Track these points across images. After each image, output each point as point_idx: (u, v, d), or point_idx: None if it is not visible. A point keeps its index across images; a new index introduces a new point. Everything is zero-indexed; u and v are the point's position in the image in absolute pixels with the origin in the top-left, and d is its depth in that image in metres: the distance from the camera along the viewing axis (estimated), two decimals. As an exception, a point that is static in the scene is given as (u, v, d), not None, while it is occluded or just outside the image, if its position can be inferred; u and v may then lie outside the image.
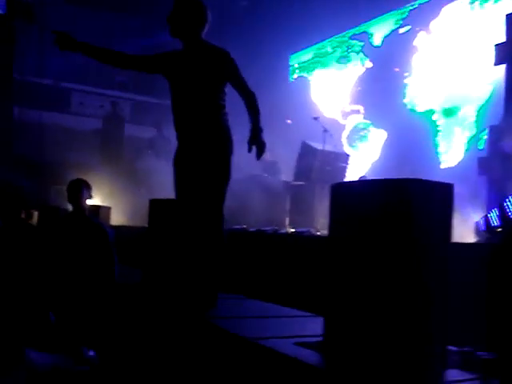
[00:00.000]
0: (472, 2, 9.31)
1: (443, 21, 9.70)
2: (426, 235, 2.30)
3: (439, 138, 9.58)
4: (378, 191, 2.34)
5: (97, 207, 7.19)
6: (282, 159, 9.88)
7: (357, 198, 2.45)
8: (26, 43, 12.49)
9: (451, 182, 2.43)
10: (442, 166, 9.35)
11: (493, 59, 7.16)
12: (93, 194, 5.57)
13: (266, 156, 9.79)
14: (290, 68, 13.30)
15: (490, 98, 8.63)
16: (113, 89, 13.74)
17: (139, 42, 11.21)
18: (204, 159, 3.88)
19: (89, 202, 6.06)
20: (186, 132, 4.01)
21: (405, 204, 2.22)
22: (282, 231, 7.46)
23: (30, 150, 11.69)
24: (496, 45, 7.05)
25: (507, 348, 2.58)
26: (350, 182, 2.71)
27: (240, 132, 4.07)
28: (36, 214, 7.33)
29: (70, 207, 5.35)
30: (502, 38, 7.02)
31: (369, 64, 11.24)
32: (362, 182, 2.54)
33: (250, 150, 3.87)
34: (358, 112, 11.22)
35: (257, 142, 3.85)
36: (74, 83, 13.60)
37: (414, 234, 2.24)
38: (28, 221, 6.45)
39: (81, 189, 5.17)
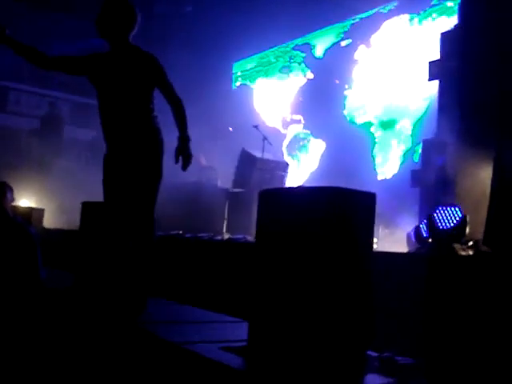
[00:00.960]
0: (411, 19, 9.59)
1: (383, 35, 9.96)
2: (349, 242, 2.36)
3: (376, 150, 9.80)
4: (303, 198, 2.39)
5: (30, 209, 7.03)
6: (222, 166, 9.89)
7: (283, 205, 2.48)
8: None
9: (386, 193, 2.50)
10: (379, 178, 9.55)
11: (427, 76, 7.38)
12: (26, 196, 5.47)
13: (202, 161, 9.88)
14: (233, 76, 13.36)
15: (425, 112, 8.89)
16: (52, 89, 13.45)
17: (76, 44, 11.03)
18: (134, 160, 3.85)
19: (23, 203, 5.93)
20: (114, 135, 3.96)
21: (327, 211, 2.27)
22: (218, 238, 7.46)
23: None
24: (430, 62, 7.27)
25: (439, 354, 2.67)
26: (276, 188, 2.75)
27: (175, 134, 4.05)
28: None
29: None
30: (437, 55, 7.25)
31: (310, 75, 11.41)
32: (288, 190, 2.58)
33: (176, 161, 3.84)
34: (298, 122, 11.36)
35: (183, 151, 3.83)
36: (11, 81, 13.26)
37: (335, 240, 2.29)
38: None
39: (3, 192, 5.07)
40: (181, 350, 2.77)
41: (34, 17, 12.45)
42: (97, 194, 5.53)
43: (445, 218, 5.14)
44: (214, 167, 10.08)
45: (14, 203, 5.32)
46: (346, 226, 2.32)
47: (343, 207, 2.30)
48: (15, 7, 12.27)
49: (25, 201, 8.46)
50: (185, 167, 3.84)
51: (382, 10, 10.07)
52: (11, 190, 5.14)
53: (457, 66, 6.53)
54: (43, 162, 10.43)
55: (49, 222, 7.73)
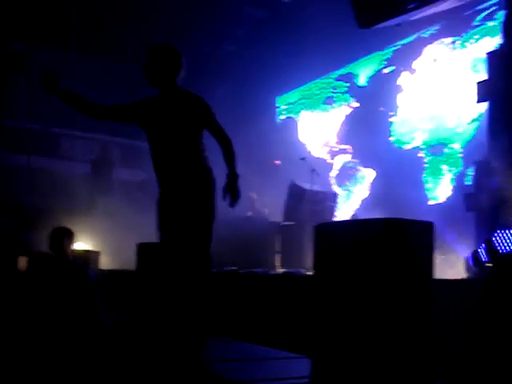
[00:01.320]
0: (453, 42, 9.52)
1: (426, 60, 9.90)
2: (410, 273, 2.32)
3: (426, 175, 9.67)
4: (358, 231, 2.37)
5: (85, 252, 7.17)
6: (271, 200, 9.91)
7: (339, 238, 2.47)
8: (15, 89, 12.59)
9: (439, 218, 2.47)
10: (430, 203, 9.40)
11: (475, 97, 7.28)
12: (81, 239, 5.59)
13: (254, 196, 9.92)
14: (277, 110, 13.46)
15: (474, 133, 8.75)
16: (102, 133, 13.80)
17: (127, 89, 11.32)
18: (188, 201, 3.90)
19: (78, 246, 6.07)
20: (167, 177, 4.03)
21: (388, 243, 2.24)
22: (272, 272, 7.43)
23: (18, 195, 11.67)
24: (478, 82, 7.18)
25: None
26: (332, 222, 2.73)
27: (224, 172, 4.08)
28: (25, 260, 7.30)
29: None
30: (484, 76, 7.16)
31: (355, 104, 11.39)
32: (344, 222, 2.56)
33: (224, 198, 3.88)
34: (345, 151, 11.32)
35: (232, 189, 3.87)
36: (63, 128, 13.65)
37: (397, 272, 2.26)
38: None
39: (61, 236, 5.20)
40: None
41: (85, 64, 12.88)
42: (148, 235, 5.64)
43: (504, 241, 5.02)
44: (266, 203, 10.11)
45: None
46: (404, 257, 2.28)
47: (400, 239, 2.27)
48: (66, 55, 12.73)
49: (80, 244, 8.64)
50: (232, 204, 3.88)
51: (423, 35, 10.03)
52: (70, 234, 5.27)
53: (506, 85, 6.43)
54: (95, 204, 10.65)
55: (104, 263, 7.85)
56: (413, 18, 7.80)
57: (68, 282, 5.03)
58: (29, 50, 12.61)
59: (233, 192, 3.87)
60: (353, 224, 2.52)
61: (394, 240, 2.24)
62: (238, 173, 3.93)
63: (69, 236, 5.23)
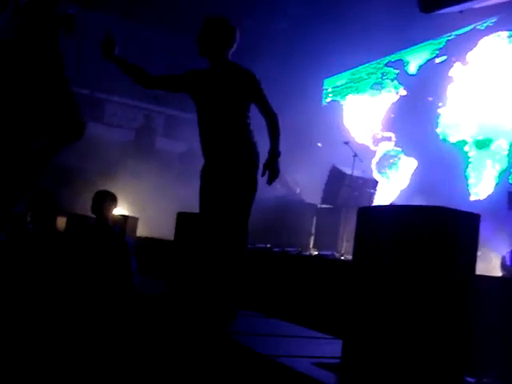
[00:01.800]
0: (510, 36, 9.28)
1: (480, 52, 9.67)
2: (456, 264, 2.30)
3: (470, 170, 9.50)
4: (404, 217, 2.35)
5: (124, 217, 7.27)
6: (310, 181, 9.88)
7: (384, 223, 2.45)
8: (65, 52, 12.73)
9: (481, 215, 2.43)
10: (472, 199, 9.25)
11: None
12: (121, 205, 5.66)
13: (287, 177, 9.91)
14: (324, 92, 13.34)
15: (524, 132, 8.56)
16: (147, 101, 13.91)
17: (176, 59, 11.35)
18: (231, 173, 3.93)
19: (117, 211, 6.15)
20: (212, 148, 4.06)
21: (439, 232, 2.21)
22: (306, 253, 7.45)
23: (61, 157, 11.86)
24: (532, 79, 7.01)
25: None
26: (377, 206, 2.69)
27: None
28: (64, 220, 7.45)
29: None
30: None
31: (403, 92, 11.23)
32: (391, 207, 2.54)
33: (263, 174, 3.89)
34: (389, 139, 11.19)
35: (271, 167, 3.87)
36: (109, 94, 13.80)
37: (445, 262, 2.24)
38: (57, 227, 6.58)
39: (103, 200, 5.28)
40: (272, 363, 2.77)
41: (138, 32, 12.95)
42: (187, 205, 5.69)
43: (544, 242, 4.92)
44: (298, 182, 10.10)
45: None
46: (449, 247, 2.26)
47: (446, 227, 2.25)
48: (118, 21, 12.81)
49: (120, 209, 8.76)
50: (270, 182, 3.89)
51: (479, 27, 9.79)
52: (113, 198, 5.35)
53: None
54: (137, 172, 10.77)
55: (142, 230, 7.96)
56: (477, 6, 7.58)
57: (105, 246, 5.12)
58: (81, 13, 12.70)
59: (272, 169, 3.87)
60: (400, 209, 2.49)
61: (442, 228, 2.22)
62: (280, 151, 3.93)
63: (111, 200, 5.31)
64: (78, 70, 12.99)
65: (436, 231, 2.23)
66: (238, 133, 3.97)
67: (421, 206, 2.31)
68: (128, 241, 5.19)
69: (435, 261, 2.24)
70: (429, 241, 2.23)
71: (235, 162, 3.94)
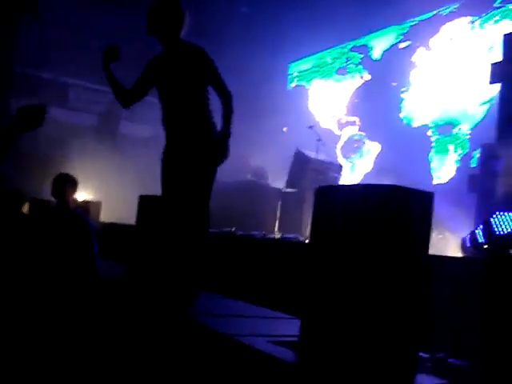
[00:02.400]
0: (472, 22, 9.40)
1: (443, 38, 9.79)
2: (410, 242, 2.33)
3: (432, 154, 9.64)
4: (359, 195, 2.37)
5: (87, 202, 7.21)
6: (275, 166, 9.92)
7: (338, 202, 2.47)
8: (27, 35, 12.50)
9: (441, 198, 2.47)
10: (434, 182, 9.40)
11: (489, 78, 7.22)
12: (83, 190, 5.61)
13: (250, 161, 9.93)
14: (289, 76, 13.36)
15: (484, 116, 8.70)
16: (111, 86, 13.73)
17: (140, 41, 11.21)
18: (190, 155, 3.92)
19: (81, 196, 6.10)
20: (171, 130, 4.06)
21: (394, 210, 2.24)
22: (270, 236, 7.48)
23: (24, 142, 11.68)
24: (492, 64, 7.11)
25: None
26: (334, 185, 2.71)
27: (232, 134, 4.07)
28: (26, 206, 7.35)
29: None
30: (499, 58, 7.09)
31: (367, 76, 11.31)
32: (346, 186, 2.56)
33: (213, 154, 3.89)
34: (353, 123, 11.28)
35: (221, 147, 3.87)
36: (73, 78, 13.59)
37: (392, 238, 2.27)
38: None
39: (64, 183, 5.23)
40: (231, 342, 2.79)
41: (98, 12, 12.74)
42: (151, 189, 5.66)
43: (502, 223, 5.03)
44: (264, 167, 10.14)
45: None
46: (404, 223, 2.30)
47: (401, 204, 2.28)
48: (80, 3, 12.58)
49: (83, 194, 8.68)
50: (220, 162, 3.89)
51: (442, 12, 9.90)
52: (73, 182, 5.29)
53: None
54: (100, 157, 10.66)
55: (105, 215, 7.90)
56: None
57: (66, 229, 5.07)
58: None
59: (222, 149, 3.87)
60: (356, 187, 2.52)
61: (396, 205, 2.25)
62: (230, 132, 3.91)
63: (71, 183, 5.26)
64: (41, 54, 12.77)
65: (390, 208, 2.26)
66: (196, 114, 3.96)
67: (375, 184, 2.34)
68: (90, 223, 5.15)
69: (389, 237, 2.27)
70: (383, 217, 2.26)
71: (193, 143, 3.93)
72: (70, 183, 5.25)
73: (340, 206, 2.50)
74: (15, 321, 4.46)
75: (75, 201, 5.63)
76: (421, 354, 2.48)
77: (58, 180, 5.23)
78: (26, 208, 7.21)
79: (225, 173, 4.12)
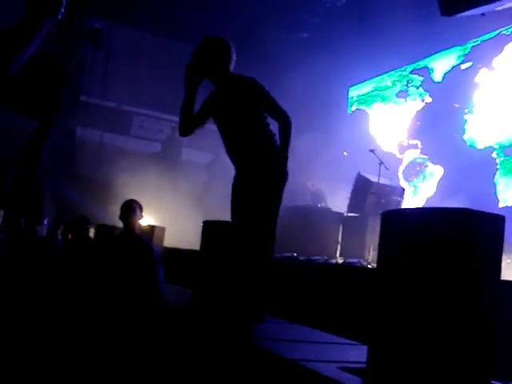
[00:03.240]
0: (537, 41, 9.19)
1: (506, 58, 9.59)
2: (482, 267, 2.28)
3: (498, 177, 9.40)
4: (428, 219, 2.33)
5: (152, 227, 7.35)
6: (336, 190, 9.88)
7: (406, 226, 2.44)
8: (92, 67, 12.95)
9: (509, 221, 2.41)
10: (500, 205, 9.14)
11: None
12: (148, 215, 5.73)
13: (310, 185, 9.92)
14: (349, 100, 13.33)
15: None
16: (172, 113, 14.04)
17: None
18: (255, 183, 3.95)
19: (144, 221, 6.22)
20: (236, 158, 4.13)
21: (466, 234, 2.19)
22: (333, 261, 7.43)
23: (89, 169, 12.04)
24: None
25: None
26: (401, 209, 2.66)
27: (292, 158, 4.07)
28: (92, 231, 7.55)
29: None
30: None
31: (428, 99, 11.17)
32: (414, 209, 2.52)
33: (272, 178, 3.90)
34: (415, 147, 11.13)
35: (280, 170, 3.89)
36: (136, 107, 13.96)
37: (473, 265, 2.21)
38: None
39: (131, 209, 5.36)
40: (298, 368, 2.77)
41: (159, 41, 13.07)
42: (213, 214, 5.72)
43: None
44: (322, 190, 10.11)
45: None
46: (475, 248, 2.24)
47: (471, 228, 2.23)
48: (141, 34, 12.93)
49: (146, 219, 8.86)
50: (279, 186, 3.90)
51: (504, 32, 9.71)
52: (140, 207, 5.42)
53: None
54: (164, 183, 10.87)
55: (168, 240, 8.02)
56: (499, 8, 7.49)
57: (132, 254, 5.17)
58: (107, 28, 12.92)
59: (281, 173, 3.89)
60: (424, 211, 2.48)
61: (468, 229, 2.20)
62: (287, 156, 3.90)
63: (138, 209, 5.39)
64: (105, 84, 13.19)
65: (461, 232, 2.21)
66: (256, 140, 4.01)
67: (443, 207, 2.30)
68: (154, 249, 5.25)
69: (460, 262, 2.22)
70: (453, 242, 2.22)
71: (257, 169, 3.97)
72: (137, 209, 5.38)
73: (408, 231, 2.46)
74: (83, 344, 4.56)
75: (141, 227, 5.75)
76: (494, 382, 2.40)
77: (125, 206, 5.36)
78: (91, 233, 7.41)
79: (284, 196, 4.13)
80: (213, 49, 4.05)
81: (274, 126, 4.11)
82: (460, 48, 10.54)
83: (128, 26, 13.11)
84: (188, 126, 4.19)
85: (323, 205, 9.79)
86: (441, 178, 10.42)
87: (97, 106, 13.11)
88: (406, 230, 2.44)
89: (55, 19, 1.70)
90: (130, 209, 5.35)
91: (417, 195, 10.66)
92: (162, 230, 7.42)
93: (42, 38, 1.66)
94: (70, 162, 12.25)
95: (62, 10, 1.71)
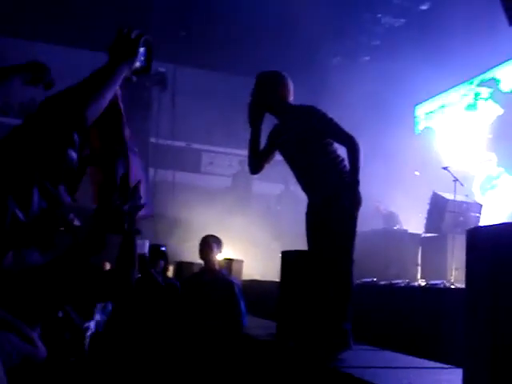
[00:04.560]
0: None
1: None
2: None
3: None
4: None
5: (230, 260, 7.42)
6: (410, 211, 9.71)
7: (495, 244, 2.36)
8: (160, 108, 13.33)
9: None
10: None
11: None
12: (225, 249, 5.81)
13: (381, 208, 9.81)
14: (416, 119, 13.15)
15: None
16: (240, 148, 14.22)
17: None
18: (329, 212, 3.94)
19: (222, 255, 6.30)
20: (310, 190, 4.14)
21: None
22: (415, 284, 7.26)
23: (164, 208, 12.29)
24: None
25: None
26: (489, 225, 2.56)
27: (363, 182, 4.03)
28: (171, 268, 7.68)
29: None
30: None
31: (499, 110, 10.88)
32: (499, 226, 2.44)
33: (344, 203, 3.87)
34: (489, 160, 10.82)
35: (351, 195, 3.84)
36: (204, 144, 14.23)
37: None
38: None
39: (208, 245, 5.44)
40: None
41: (224, 80, 13.32)
42: (288, 244, 5.73)
43: None
44: (395, 212, 9.97)
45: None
46: None
47: None
48: (205, 73, 13.20)
49: (224, 253, 8.96)
50: (353, 210, 3.86)
51: None
52: (218, 242, 5.51)
53: None
54: (237, 216, 10.99)
55: (246, 272, 8.08)
56: None
57: (214, 290, 5.23)
58: (172, 71, 13.32)
59: (353, 197, 3.85)
60: (509, 226, 2.38)
61: None
62: (359, 179, 3.87)
63: (215, 244, 5.47)
64: (173, 123, 13.53)
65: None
66: (328, 169, 4.02)
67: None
68: (235, 282, 5.30)
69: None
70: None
71: (332, 199, 3.97)
72: (213, 245, 5.46)
73: (493, 248, 2.38)
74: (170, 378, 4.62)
75: (219, 261, 5.83)
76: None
77: (203, 242, 5.46)
78: (170, 270, 7.54)
79: (358, 221, 4.10)
80: (268, 84, 4.10)
81: (342, 151, 4.11)
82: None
83: (191, 66, 13.46)
84: (257, 163, 4.24)
85: (399, 227, 9.64)
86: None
87: (167, 146, 13.45)
88: (491, 247, 2.36)
89: (132, 65, 1.75)
90: (207, 245, 5.45)
91: (495, 209, 10.32)
92: (240, 262, 7.48)
93: (117, 83, 1.69)
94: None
95: (142, 58, 1.76)
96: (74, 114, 1.52)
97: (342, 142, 4.00)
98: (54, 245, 1.69)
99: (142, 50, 1.74)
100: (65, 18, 11.09)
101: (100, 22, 9.93)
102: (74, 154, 1.49)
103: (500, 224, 2.35)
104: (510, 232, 2.27)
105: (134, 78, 1.74)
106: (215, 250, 5.47)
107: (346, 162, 4.02)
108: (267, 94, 4.09)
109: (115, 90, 1.70)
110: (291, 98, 4.18)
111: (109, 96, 1.65)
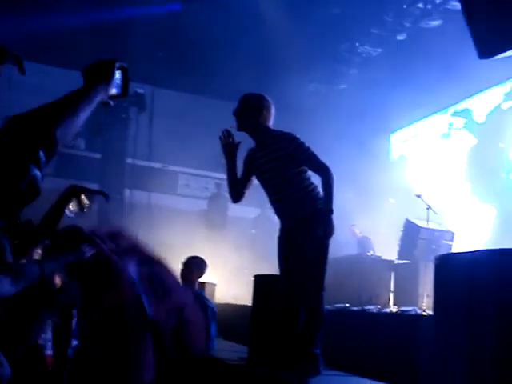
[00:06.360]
0: None
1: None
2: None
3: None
4: (488, 261, 2.27)
5: (202, 284, 7.36)
6: (385, 238, 9.77)
7: (461, 270, 2.39)
8: (137, 129, 13.31)
9: None
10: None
11: None
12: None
13: (357, 232, 9.90)
14: (391, 147, 13.30)
15: None
16: (216, 170, 14.24)
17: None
18: (301, 234, 3.96)
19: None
20: (280, 212, 4.16)
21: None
22: (386, 310, 7.29)
23: (139, 230, 12.20)
24: None
25: None
26: (456, 253, 2.59)
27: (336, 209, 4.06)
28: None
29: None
30: None
31: (473, 140, 11.06)
32: (470, 253, 2.47)
33: (318, 232, 3.90)
34: (463, 189, 10.97)
35: (325, 223, 3.87)
36: (180, 166, 14.20)
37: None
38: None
39: (189, 266, 5.43)
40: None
41: (202, 104, 13.37)
42: (261, 268, 5.72)
43: None
44: (370, 238, 10.05)
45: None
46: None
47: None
48: (182, 96, 13.22)
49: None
50: (326, 239, 3.89)
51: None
52: (199, 264, 5.49)
53: None
54: (212, 239, 10.96)
55: (219, 295, 8.04)
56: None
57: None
58: (150, 92, 13.34)
59: (326, 226, 3.87)
60: (477, 254, 2.42)
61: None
62: (332, 208, 3.90)
63: (195, 266, 5.46)
64: (150, 144, 13.51)
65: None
66: (301, 196, 4.04)
67: (500, 248, 2.26)
68: (209, 306, 5.28)
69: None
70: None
71: (305, 225, 3.99)
72: (196, 266, 5.46)
73: (463, 275, 2.42)
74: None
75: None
76: None
77: (185, 263, 5.46)
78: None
79: (331, 245, 4.12)
80: (254, 106, 4.13)
81: (315, 179, 4.15)
82: (500, 87, 10.47)
83: (169, 88, 13.48)
84: (237, 192, 4.26)
85: (372, 253, 9.69)
86: (493, 219, 10.20)
87: (143, 167, 13.42)
88: (460, 274, 2.39)
89: (108, 88, 1.73)
90: (186, 266, 5.45)
91: (468, 238, 10.43)
92: (213, 286, 7.43)
93: (93, 104, 1.67)
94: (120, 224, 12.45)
95: (118, 82, 1.75)
96: (40, 128, 1.48)
97: (317, 171, 4.04)
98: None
99: (117, 74, 1.74)
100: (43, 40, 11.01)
101: (79, 43, 9.92)
102: (37, 172, 1.44)
103: (466, 252, 2.38)
104: (483, 260, 2.30)
105: (112, 102, 1.73)
106: (195, 271, 5.46)
107: (320, 190, 4.06)
108: (251, 116, 4.12)
109: (91, 110, 1.68)
110: (271, 123, 4.22)
111: (83, 116, 1.63)
